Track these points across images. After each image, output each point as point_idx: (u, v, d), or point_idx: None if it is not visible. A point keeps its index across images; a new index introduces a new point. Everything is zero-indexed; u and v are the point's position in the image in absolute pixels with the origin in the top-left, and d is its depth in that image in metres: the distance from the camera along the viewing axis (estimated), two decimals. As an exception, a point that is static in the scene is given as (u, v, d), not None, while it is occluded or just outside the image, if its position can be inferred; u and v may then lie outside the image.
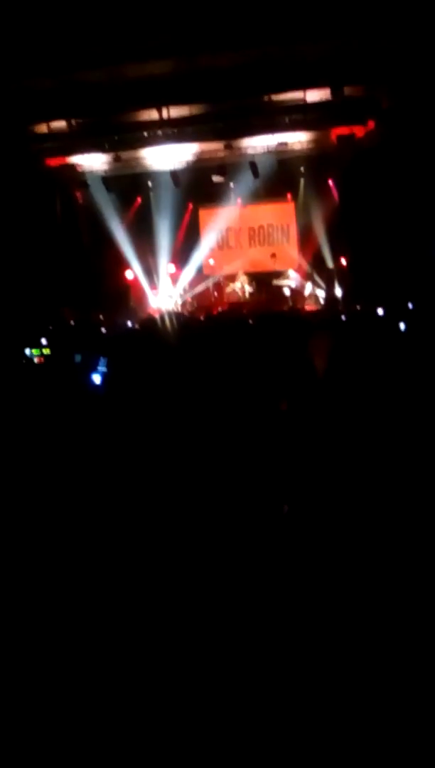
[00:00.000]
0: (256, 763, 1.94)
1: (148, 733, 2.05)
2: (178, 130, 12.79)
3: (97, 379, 5.06)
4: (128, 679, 2.24)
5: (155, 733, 2.05)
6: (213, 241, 16.30)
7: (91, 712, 2.13)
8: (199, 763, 1.97)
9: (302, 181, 15.31)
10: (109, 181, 14.74)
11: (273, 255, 15.88)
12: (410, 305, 7.56)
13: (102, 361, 5.34)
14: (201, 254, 16.21)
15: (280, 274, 15.90)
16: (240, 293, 15.71)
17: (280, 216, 16.25)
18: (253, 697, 2.14)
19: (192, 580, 2.69)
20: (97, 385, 5.00)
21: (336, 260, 14.52)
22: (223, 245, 16.52)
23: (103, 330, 10.27)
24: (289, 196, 15.95)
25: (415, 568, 2.63)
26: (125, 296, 15.46)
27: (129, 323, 11.32)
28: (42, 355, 7.30)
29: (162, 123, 12.58)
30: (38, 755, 2.00)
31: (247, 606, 2.54)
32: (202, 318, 9.71)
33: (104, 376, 5.08)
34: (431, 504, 2.95)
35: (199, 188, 15.38)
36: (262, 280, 15.99)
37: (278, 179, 14.89)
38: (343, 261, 14.11)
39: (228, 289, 15.90)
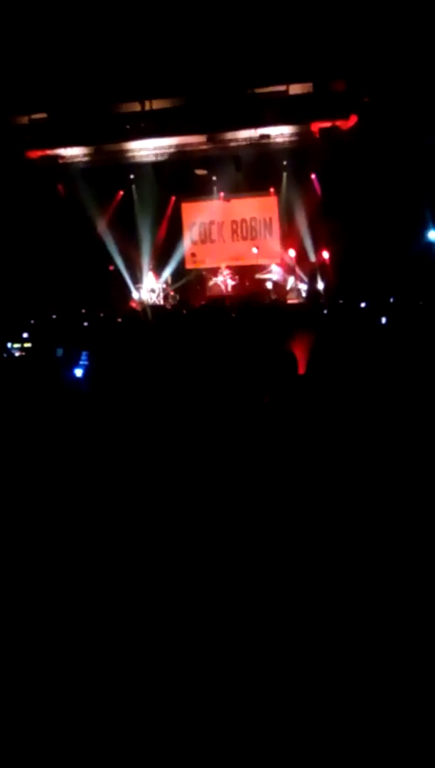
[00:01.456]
0: (256, 763, 1.95)
1: (148, 732, 2.05)
2: (160, 123, 12.72)
3: (78, 372, 5.04)
4: (128, 678, 2.24)
5: (155, 732, 2.05)
6: (195, 235, 16.26)
7: (91, 711, 2.13)
8: (199, 763, 1.97)
9: (285, 174, 15.30)
10: (90, 174, 14.63)
11: (256, 248, 15.87)
12: (391, 299, 7.60)
13: (84, 354, 5.32)
14: (183, 247, 16.16)
15: (262, 268, 15.90)
16: (223, 286, 15.69)
17: (262, 209, 16.23)
18: (253, 695, 2.15)
19: (184, 575, 2.69)
20: (79, 379, 4.98)
21: (318, 254, 14.56)
22: (205, 239, 16.47)
23: (85, 323, 10.21)
24: (271, 189, 15.94)
25: (407, 561, 2.64)
26: (107, 290, 15.37)
27: (111, 316, 11.26)
28: (23, 349, 7.25)
29: (144, 115, 12.51)
30: (38, 755, 2.00)
31: (243, 601, 2.55)
32: (184, 311, 9.70)
33: (86, 369, 5.06)
34: (415, 492, 2.98)
35: (182, 181, 15.31)
36: (245, 274, 15.98)
37: (261, 173, 14.87)
38: (326, 254, 14.15)
39: (210, 283, 15.88)
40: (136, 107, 12.39)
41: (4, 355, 7.15)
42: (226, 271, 15.77)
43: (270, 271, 15.78)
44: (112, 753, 2.01)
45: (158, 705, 2.13)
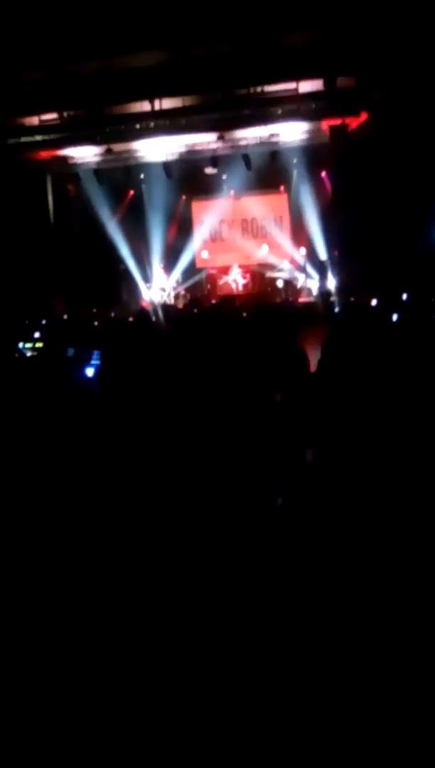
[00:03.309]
0: (255, 762, 1.94)
1: (148, 731, 2.05)
2: (170, 122, 12.71)
3: (90, 372, 5.04)
4: (128, 677, 2.24)
5: (155, 731, 2.05)
6: (206, 233, 16.24)
7: (91, 710, 2.13)
8: (199, 762, 1.97)
9: (295, 172, 15.26)
10: (101, 173, 14.66)
11: (266, 246, 15.84)
12: (404, 296, 7.55)
13: (95, 354, 5.32)
14: (194, 246, 16.15)
15: (273, 266, 15.86)
16: (233, 285, 15.67)
17: (273, 207, 16.20)
18: (253, 693, 2.14)
19: (188, 573, 2.69)
20: (90, 379, 4.98)
21: (329, 252, 14.50)
22: (215, 237, 16.46)
23: (96, 323, 10.23)
24: (282, 187, 15.90)
25: (410, 558, 2.63)
26: (117, 289, 15.39)
27: (122, 316, 11.28)
28: (35, 348, 7.26)
29: (154, 114, 12.51)
30: (38, 754, 2.00)
31: (245, 599, 2.54)
32: (195, 311, 9.68)
33: (97, 369, 5.06)
34: (425, 494, 2.96)
35: (192, 180, 15.32)
36: (256, 273, 15.95)
37: (271, 171, 14.84)
38: (336, 252, 14.09)
39: (221, 281, 15.86)
40: (146, 106, 12.38)
41: (16, 354, 7.17)
42: (237, 270, 15.75)
43: (281, 269, 15.74)
44: (112, 752, 2.00)
45: (158, 704, 2.13)
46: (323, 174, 14.67)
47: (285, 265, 15.75)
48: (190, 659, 2.29)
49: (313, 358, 4.35)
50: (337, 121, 12.75)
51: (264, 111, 12.43)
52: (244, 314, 6.39)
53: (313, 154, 14.32)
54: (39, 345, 7.46)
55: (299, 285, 15.22)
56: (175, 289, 15.74)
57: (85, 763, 1.98)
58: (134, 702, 2.15)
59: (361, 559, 2.67)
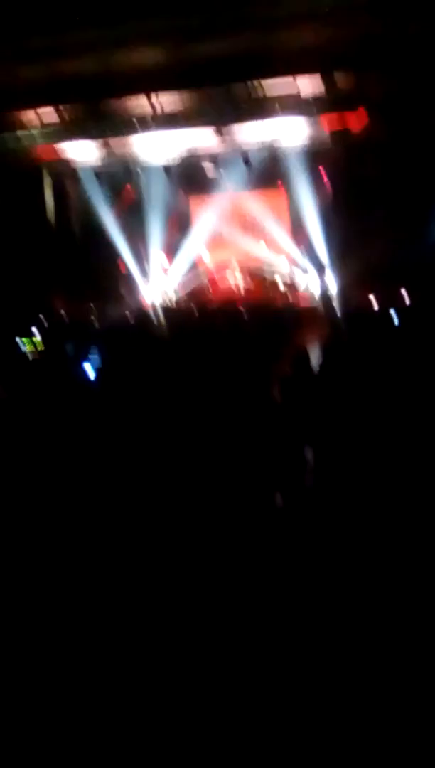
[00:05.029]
0: (255, 762, 1.94)
1: (148, 731, 2.04)
2: (169, 118, 12.66)
3: (90, 372, 5.04)
4: (128, 677, 2.24)
5: (155, 731, 2.05)
6: (205, 231, 16.20)
7: (91, 710, 2.13)
8: (199, 762, 1.97)
9: (294, 170, 15.23)
10: (100, 172, 14.62)
11: (265, 244, 15.81)
12: (405, 296, 7.56)
13: (95, 354, 5.32)
14: (193, 244, 16.12)
15: (272, 266, 15.84)
16: (232, 281, 15.64)
17: (272, 205, 16.15)
18: (253, 694, 2.14)
19: (188, 570, 2.69)
20: (90, 379, 4.98)
21: (329, 252, 14.47)
22: (215, 235, 16.42)
23: (96, 322, 10.23)
24: (281, 185, 15.87)
25: (410, 556, 2.63)
26: (117, 288, 15.37)
27: (121, 316, 11.26)
28: (35, 349, 7.26)
29: (153, 110, 12.46)
30: (38, 754, 2.00)
31: (245, 596, 2.54)
32: (196, 312, 9.68)
33: (97, 369, 5.05)
34: (426, 494, 2.96)
35: (191, 178, 15.29)
36: (256, 274, 15.92)
37: (270, 169, 14.81)
38: (336, 252, 14.06)
39: (221, 279, 15.83)
40: (145, 102, 12.33)
41: (16, 352, 7.17)
42: (235, 265, 15.73)
43: (280, 269, 15.72)
44: (112, 752, 2.00)
45: (158, 704, 2.13)
46: (323, 173, 14.64)
47: (284, 263, 15.72)
48: (190, 657, 2.30)
49: (314, 358, 4.36)
50: (338, 126, 12.72)
51: (262, 106, 12.37)
52: (246, 317, 6.41)
53: (313, 153, 14.30)
54: (39, 343, 7.46)
55: (300, 287, 15.19)
56: (174, 288, 15.71)
57: (85, 763, 1.98)
58: (134, 702, 2.15)
59: (361, 557, 2.67)
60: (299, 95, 12.03)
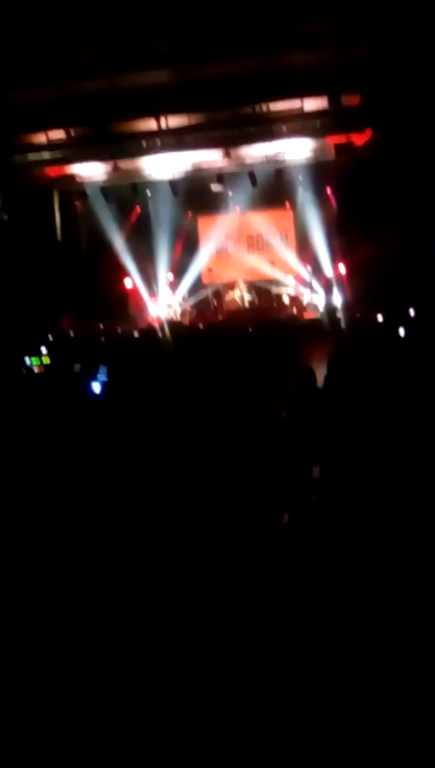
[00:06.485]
0: (255, 762, 1.93)
1: (148, 732, 2.03)
2: (176, 139, 12.81)
3: (96, 388, 5.06)
4: (128, 678, 2.23)
5: (155, 731, 2.04)
6: (212, 249, 16.31)
7: (91, 710, 2.12)
8: (199, 762, 1.95)
9: (300, 189, 15.36)
10: (107, 190, 14.77)
11: (272, 263, 15.90)
12: (411, 312, 7.56)
13: (102, 370, 5.34)
14: (200, 262, 16.22)
15: (278, 282, 15.91)
16: (239, 301, 15.71)
17: (278, 224, 16.27)
18: (253, 696, 2.13)
19: (192, 585, 2.68)
20: (96, 395, 4.99)
21: (334, 267, 14.54)
22: (221, 253, 16.53)
23: (103, 339, 10.26)
24: (287, 204, 15.98)
25: (414, 574, 2.61)
26: (124, 305, 15.46)
27: (129, 332, 11.32)
28: (42, 364, 7.29)
29: (160, 132, 12.61)
30: (38, 754, 1.99)
31: (247, 609, 2.53)
32: (201, 327, 9.71)
33: (104, 385, 5.07)
34: (431, 512, 2.94)
35: (198, 197, 15.42)
36: (261, 289, 15.99)
37: (277, 187, 14.93)
38: (342, 268, 14.12)
39: (227, 297, 15.90)
40: (153, 124, 12.49)
41: (23, 370, 7.20)
42: (243, 285, 15.80)
43: (286, 285, 15.79)
44: (112, 752, 1.99)
45: (158, 704, 2.12)
46: (329, 190, 14.74)
47: (290, 281, 15.79)
48: (192, 664, 2.28)
49: (320, 373, 4.35)
50: (342, 139, 12.82)
51: (269, 128, 12.52)
52: (250, 330, 6.42)
53: (319, 171, 14.41)
54: (46, 361, 7.49)
55: (305, 301, 15.24)
56: (181, 305, 15.79)
57: (85, 763, 1.97)
58: (134, 702, 2.14)
59: (367, 575, 2.66)
60: (305, 117, 12.15)
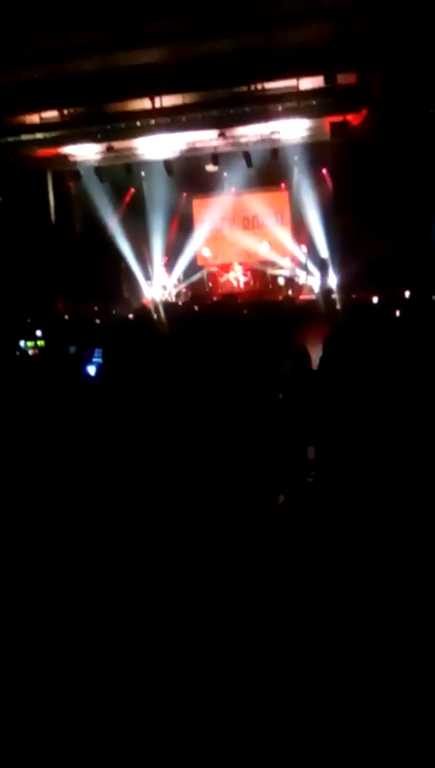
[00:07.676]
0: (255, 762, 1.94)
1: (148, 733, 2.04)
2: (170, 119, 12.70)
3: (91, 370, 5.05)
4: (128, 679, 2.23)
5: (155, 732, 2.05)
6: (207, 231, 16.22)
7: (91, 711, 2.13)
8: (199, 762, 1.96)
9: (296, 169, 15.25)
10: (101, 171, 14.65)
11: (267, 244, 15.83)
12: (407, 293, 7.55)
13: (96, 352, 5.32)
14: (195, 244, 16.14)
15: (274, 264, 15.85)
16: (234, 283, 15.67)
17: (274, 205, 16.18)
18: (253, 696, 2.13)
19: (190, 573, 2.69)
20: (92, 377, 4.98)
21: (330, 249, 14.48)
22: (216, 235, 16.44)
23: (97, 321, 10.23)
24: (283, 184, 15.88)
25: (413, 562, 2.62)
26: (119, 287, 15.40)
27: (123, 314, 11.27)
28: (36, 347, 7.28)
29: (154, 112, 12.50)
30: (38, 755, 2.00)
31: (246, 601, 2.53)
32: (196, 308, 9.68)
33: (99, 367, 5.06)
34: (428, 492, 2.95)
35: (193, 178, 15.32)
36: (257, 270, 15.94)
37: (272, 168, 14.82)
38: (338, 249, 14.06)
39: (222, 279, 15.85)
40: (147, 104, 12.37)
41: (17, 353, 7.19)
42: (238, 267, 15.74)
43: (281, 267, 15.73)
44: (112, 752, 2.00)
45: (158, 705, 2.13)
46: (324, 171, 14.64)
47: (286, 262, 15.74)
48: (189, 658, 2.29)
49: (315, 355, 4.35)
50: (338, 118, 12.72)
51: (265, 108, 12.41)
52: (245, 312, 6.39)
53: (314, 152, 14.29)
54: (40, 343, 7.47)
55: (301, 282, 15.21)
56: (176, 286, 15.74)
57: (85, 763, 1.98)
58: (134, 702, 2.15)
59: (363, 557, 2.66)
60: (301, 96, 12.05)
